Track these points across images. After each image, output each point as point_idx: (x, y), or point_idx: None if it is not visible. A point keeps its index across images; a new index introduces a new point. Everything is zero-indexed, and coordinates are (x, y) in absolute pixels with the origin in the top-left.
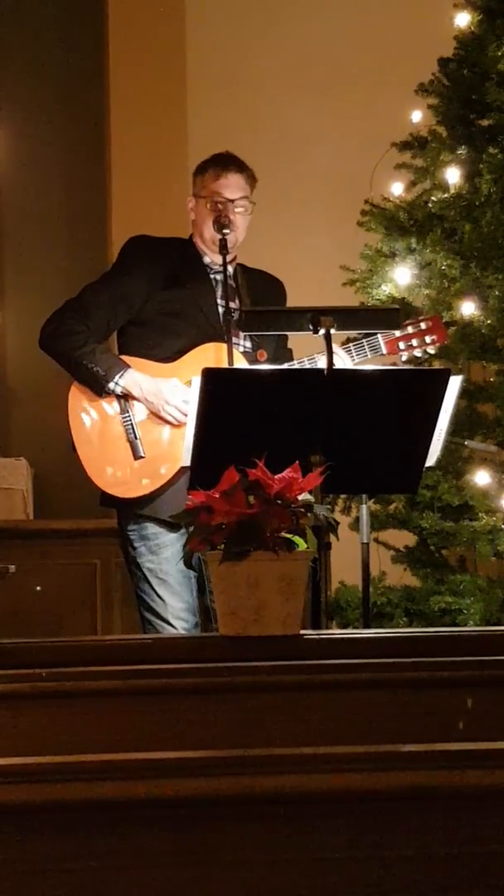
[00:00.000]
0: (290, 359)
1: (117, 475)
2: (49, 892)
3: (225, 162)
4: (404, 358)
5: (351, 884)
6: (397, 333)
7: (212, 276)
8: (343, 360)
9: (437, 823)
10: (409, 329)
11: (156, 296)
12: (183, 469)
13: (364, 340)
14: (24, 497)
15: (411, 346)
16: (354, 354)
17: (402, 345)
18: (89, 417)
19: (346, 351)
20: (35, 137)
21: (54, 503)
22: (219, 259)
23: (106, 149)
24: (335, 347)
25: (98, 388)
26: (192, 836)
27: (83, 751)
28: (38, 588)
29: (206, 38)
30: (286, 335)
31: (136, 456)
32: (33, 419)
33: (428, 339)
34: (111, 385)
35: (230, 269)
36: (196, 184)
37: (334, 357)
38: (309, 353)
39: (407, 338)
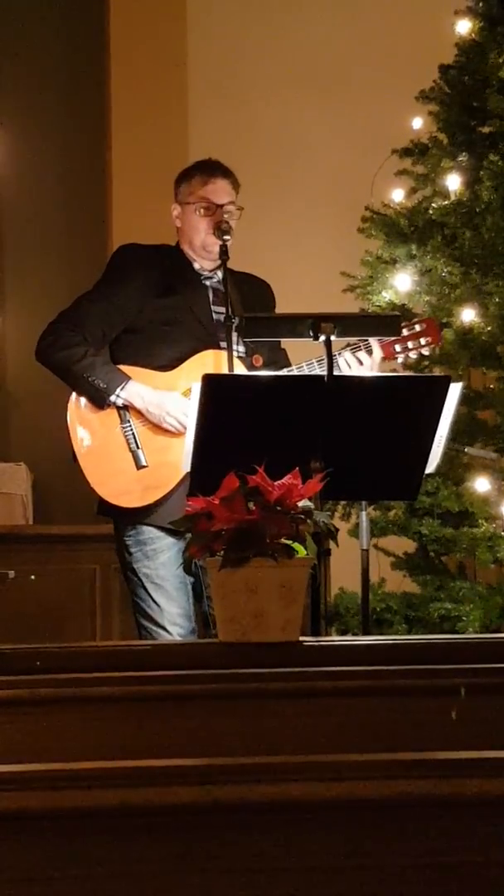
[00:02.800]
0: (286, 359)
1: (121, 485)
2: None
3: (211, 168)
4: (400, 360)
5: (350, 893)
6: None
7: (203, 282)
8: (363, 367)
9: (437, 832)
10: (405, 332)
11: (150, 304)
12: (186, 477)
13: (360, 344)
14: (24, 502)
15: (406, 348)
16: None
17: (397, 347)
18: (90, 428)
19: (352, 352)
20: (36, 141)
21: (53, 508)
22: (208, 265)
23: (106, 153)
24: (355, 356)
25: (99, 400)
26: (192, 844)
27: (82, 758)
28: (33, 577)
29: (208, 43)
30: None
31: (139, 466)
32: (33, 424)
33: (423, 340)
34: (112, 398)
35: (219, 274)
36: (181, 192)
37: (355, 363)
38: (310, 356)
39: (402, 340)
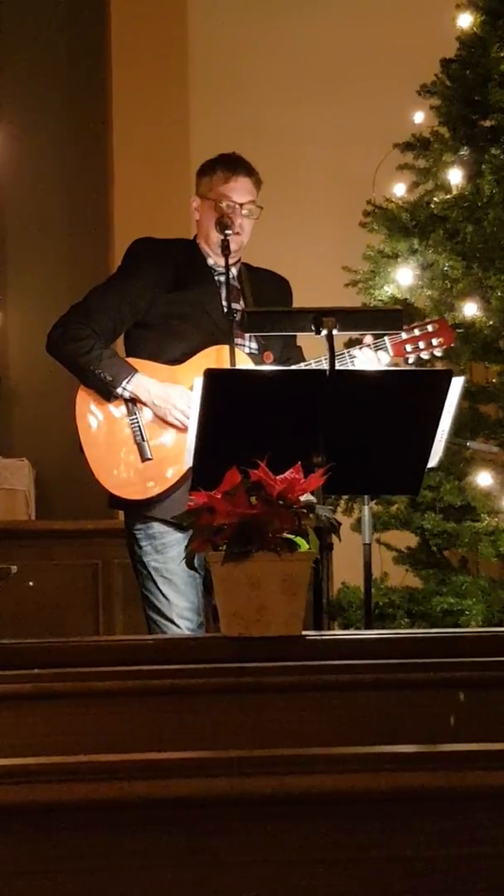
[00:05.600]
0: (301, 357)
1: (124, 477)
2: (52, 892)
3: (234, 165)
4: (410, 360)
5: (354, 885)
6: (404, 336)
7: (216, 277)
8: (378, 361)
9: (439, 825)
10: (416, 332)
11: (161, 298)
12: (189, 472)
13: (372, 343)
14: (27, 497)
15: (418, 348)
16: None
17: (408, 347)
18: (97, 419)
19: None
20: (37, 139)
21: (56, 504)
22: (223, 261)
23: (108, 150)
24: (367, 349)
25: (106, 393)
26: (195, 837)
27: (85, 751)
28: (31, 583)
29: (208, 40)
30: (294, 334)
31: (144, 458)
32: (35, 420)
33: (435, 341)
34: (119, 390)
35: (234, 270)
36: (202, 184)
37: (368, 357)
38: (318, 352)
39: (413, 340)
